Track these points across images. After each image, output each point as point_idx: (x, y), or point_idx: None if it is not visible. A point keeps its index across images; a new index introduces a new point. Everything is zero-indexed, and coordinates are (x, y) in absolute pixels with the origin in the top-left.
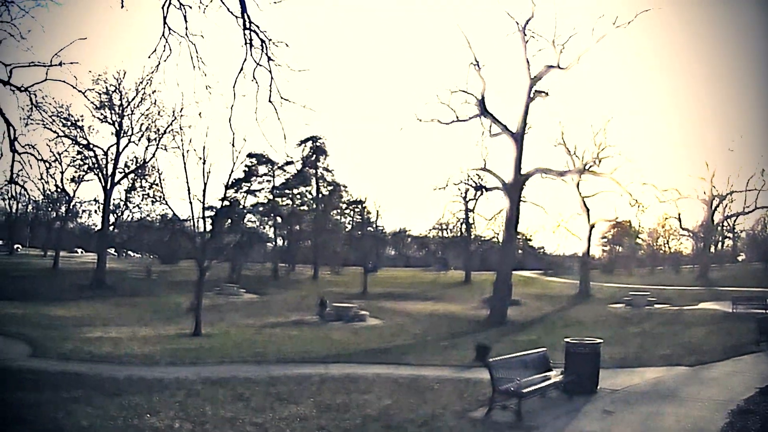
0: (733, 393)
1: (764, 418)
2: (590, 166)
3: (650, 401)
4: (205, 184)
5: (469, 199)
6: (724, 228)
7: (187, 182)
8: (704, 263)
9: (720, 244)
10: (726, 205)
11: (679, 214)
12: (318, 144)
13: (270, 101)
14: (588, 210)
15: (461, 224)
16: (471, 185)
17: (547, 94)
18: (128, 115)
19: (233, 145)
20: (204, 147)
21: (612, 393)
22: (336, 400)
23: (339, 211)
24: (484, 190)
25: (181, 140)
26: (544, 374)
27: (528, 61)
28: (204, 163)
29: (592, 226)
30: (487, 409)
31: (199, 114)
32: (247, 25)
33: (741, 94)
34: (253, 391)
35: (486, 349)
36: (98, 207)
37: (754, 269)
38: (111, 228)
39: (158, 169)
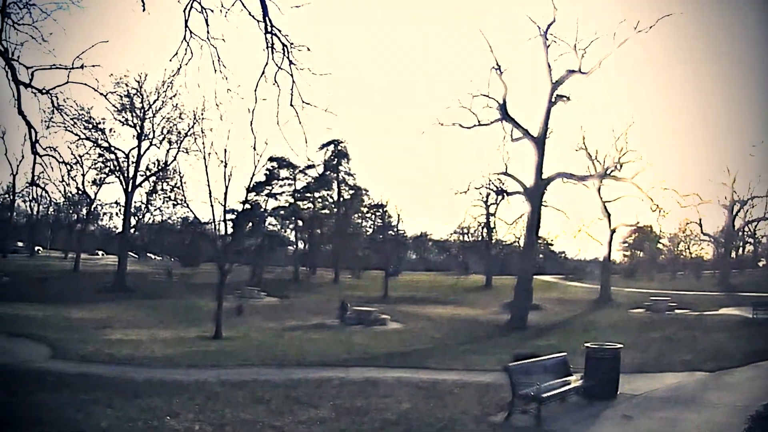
0: (753, 399)
1: None
2: (611, 171)
3: (669, 407)
4: (227, 187)
5: (491, 204)
6: (745, 233)
7: (209, 185)
8: (725, 269)
9: (741, 249)
10: (747, 211)
11: (700, 219)
12: (339, 148)
13: (291, 105)
14: (609, 215)
15: (482, 228)
16: (492, 189)
17: (568, 98)
18: (149, 118)
19: (254, 148)
20: (225, 150)
21: (632, 398)
22: (355, 404)
23: (360, 214)
24: (505, 194)
25: (203, 143)
26: (563, 379)
27: (549, 66)
28: (225, 167)
29: (613, 231)
30: (506, 413)
31: (221, 117)
32: (269, 29)
33: (762, 98)
34: (273, 394)
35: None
36: (119, 209)
37: None
38: (132, 230)
39: (179, 172)
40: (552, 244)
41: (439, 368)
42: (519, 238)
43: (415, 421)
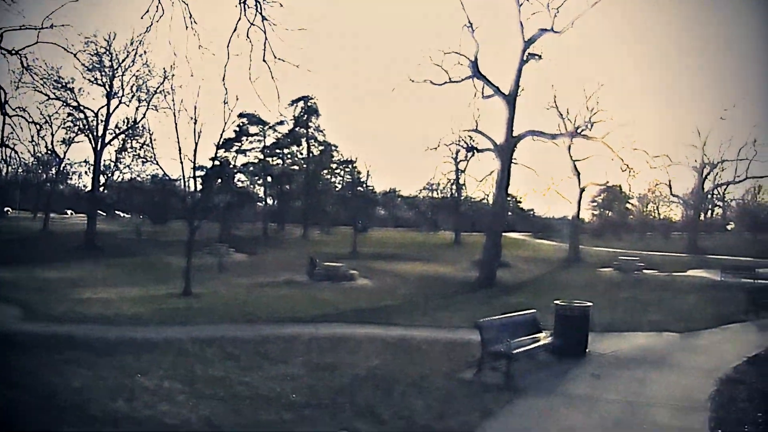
0: (722, 361)
1: (752, 388)
2: (582, 130)
3: (638, 366)
4: (196, 144)
5: (460, 161)
6: (714, 196)
7: (178, 142)
8: (693, 231)
9: (710, 212)
10: (717, 174)
11: (670, 181)
12: (309, 104)
13: (264, 60)
14: (578, 173)
15: (452, 185)
16: (462, 146)
17: (540, 57)
18: (119, 76)
19: (226, 102)
20: (195, 107)
21: (601, 357)
22: (325, 360)
23: (329, 170)
24: (475, 151)
25: (173, 100)
26: (533, 336)
27: (522, 24)
28: (195, 123)
29: (582, 190)
30: (476, 370)
31: (191, 73)
32: None
33: (735, 63)
34: (243, 351)
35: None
36: (89, 168)
37: (743, 239)
38: (101, 189)
39: (149, 130)
40: (521, 202)
41: (408, 325)
42: (488, 195)
43: (385, 378)
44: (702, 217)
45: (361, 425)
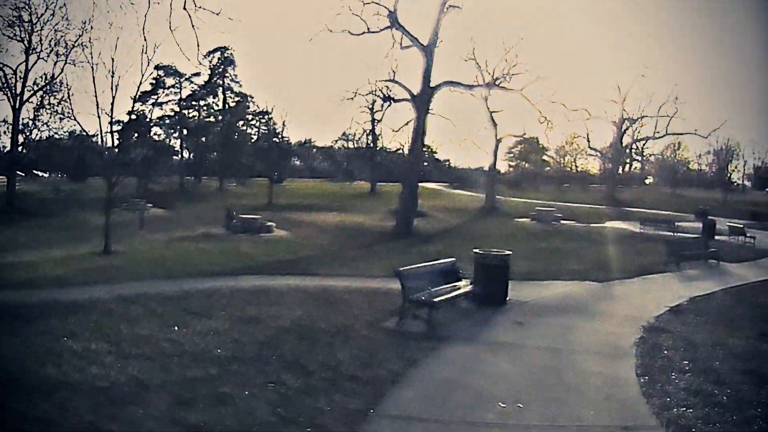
0: (644, 310)
1: (676, 336)
2: (500, 82)
3: (561, 314)
4: (113, 98)
5: (377, 111)
6: (633, 151)
7: (96, 97)
8: (612, 184)
9: (628, 166)
10: (636, 129)
11: (588, 134)
12: (226, 55)
13: (185, 8)
14: (495, 125)
15: (368, 136)
16: (379, 97)
17: (459, 7)
18: (38, 30)
19: (145, 52)
20: (113, 59)
21: (522, 305)
22: (248, 313)
23: (245, 122)
24: (392, 101)
25: (90, 54)
26: (453, 285)
27: None
28: (113, 77)
29: (499, 141)
30: (398, 319)
31: (109, 25)
32: None
33: (658, 19)
34: (166, 307)
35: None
36: (7, 128)
37: (661, 193)
38: (20, 149)
39: (67, 85)
40: (437, 153)
41: (328, 275)
42: (404, 146)
43: (308, 328)
44: (620, 170)
45: (288, 378)
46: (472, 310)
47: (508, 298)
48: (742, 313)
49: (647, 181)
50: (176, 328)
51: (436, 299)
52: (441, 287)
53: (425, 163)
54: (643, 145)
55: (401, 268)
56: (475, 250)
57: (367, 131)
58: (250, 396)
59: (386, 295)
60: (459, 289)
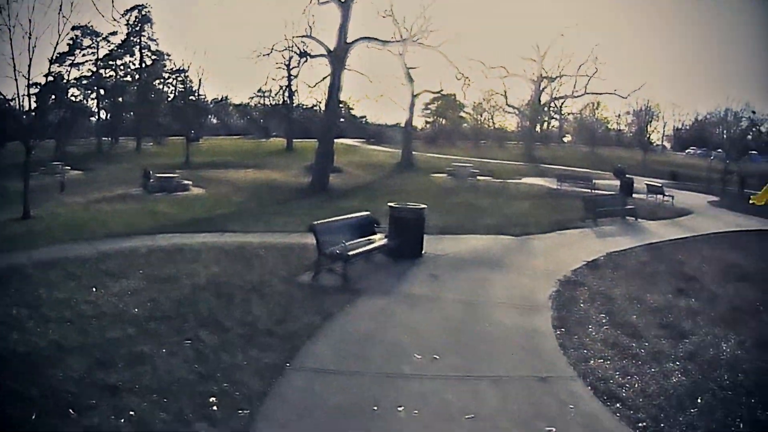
0: (560, 264)
1: (592, 290)
2: (417, 38)
3: (476, 268)
4: (30, 60)
5: (293, 67)
6: (551, 109)
7: (13, 59)
8: (529, 141)
9: (546, 125)
10: (555, 88)
11: (505, 91)
12: (144, 13)
13: None
14: (412, 81)
15: (284, 92)
16: (295, 52)
17: None
18: None
19: (61, 11)
20: (30, 20)
21: (437, 258)
22: (165, 272)
23: (162, 80)
24: (308, 57)
25: (8, 15)
26: (368, 238)
27: None
28: (30, 38)
29: (415, 96)
30: (313, 273)
31: None
32: None
33: None
34: (84, 270)
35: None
36: None
37: (579, 151)
38: None
39: None
40: (353, 109)
41: (244, 231)
42: (320, 103)
43: (225, 285)
44: (539, 129)
45: (205, 335)
46: (387, 263)
47: (423, 252)
48: (659, 269)
49: (565, 140)
50: (94, 290)
51: (350, 253)
52: (356, 241)
53: (341, 120)
54: (562, 103)
55: (315, 222)
56: (389, 204)
57: (284, 87)
58: (168, 354)
59: (302, 250)
60: (374, 242)
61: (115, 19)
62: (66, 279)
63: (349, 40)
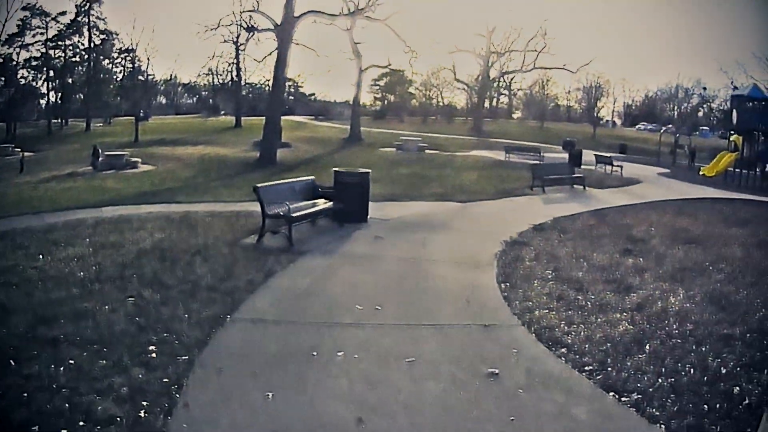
0: (507, 227)
1: (539, 250)
2: (365, 12)
3: (422, 230)
4: None
5: (241, 44)
6: (501, 85)
7: None
8: (478, 116)
9: (496, 101)
10: (504, 63)
11: (454, 66)
12: None
13: None
14: (360, 56)
15: (232, 69)
16: (243, 26)
17: None
18: None
19: None
20: None
21: (382, 222)
22: (110, 239)
23: (111, 60)
24: (255, 31)
25: None
26: (313, 202)
27: None
28: None
29: (363, 71)
30: (258, 235)
31: None
32: None
33: None
34: (31, 240)
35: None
36: None
37: (528, 126)
38: None
39: None
40: (302, 86)
41: (190, 202)
42: (269, 81)
43: (170, 249)
44: (488, 104)
45: (147, 293)
46: (332, 227)
47: (369, 217)
48: (606, 232)
49: (515, 116)
50: (41, 257)
51: (294, 214)
52: (300, 204)
53: (290, 97)
54: (511, 79)
55: (259, 185)
56: (334, 169)
57: (231, 63)
58: (110, 310)
59: (247, 217)
60: (318, 206)
61: None
62: (13, 249)
63: (296, 14)
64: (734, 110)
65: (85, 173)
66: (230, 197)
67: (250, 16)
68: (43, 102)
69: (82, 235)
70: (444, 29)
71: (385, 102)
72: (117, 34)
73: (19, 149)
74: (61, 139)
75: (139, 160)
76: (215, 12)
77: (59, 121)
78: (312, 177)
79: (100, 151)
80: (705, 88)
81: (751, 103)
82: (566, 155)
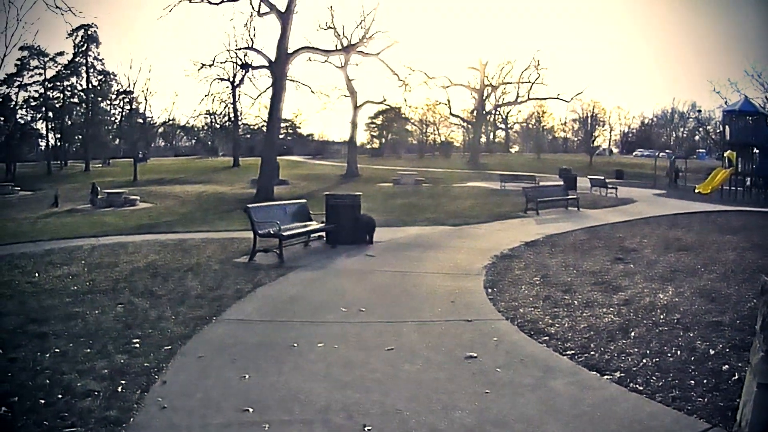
0: (498, 244)
1: (528, 261)
2: (358, 46)
3: (413, 249)
4: None
5: (237, 85)
6: (496, 118)
7: None
8: (475, 150)
9: (492, 134)
10: (499, 96)
11: (449, 100)
12: (90, 33)
13: None
14: (355, 93)
15: (229, 110)
16: (237, 63)
17: None
18: None
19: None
20: None
21: (375, 243)
22: (105, 260)
23: (109, 101)
24: (249, 68)
25: None
26: (304, 224)
27: None
28: None
29: (359, 107)
30: (249, 256)
31: None
32: None
33: None
34: (28, 262)
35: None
36: None
37: (526, 158)
38: None
39: None
40: (300, 127)
41: (187, 231)
42: (265, 121)
43: (162, 267)
44: (485, 139)
45: (138, 300)
46: (324, 249)
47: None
48: (597, 245)
49: (512, 150)
50: (37, 274)
51: (285, 233)
52: (292, 224)
53: (288, 138)
54: (508, 112)
55: (249, 204)
56: (326, 193)
57: (228, 103)
58: (100, 314)
59: (241, 241)
60: (309, 227)
61: (69, 33)
62: (10, 269)
63: (290, 51)
64: (726, 126)
65: (84, 210)
66: (226, 227)
67: (246, 54)
68: (42, 143)
69: (78, 258)
70: (438, 63)
71: (382, 140)
72: (115, 75)
73: (18, 188)
74: (61, 178)
75: (138, 197)
76: (212, 51)
77: (58, 161)
78: (304, 200)
79: (99, 188)
80: (700, 111)
81: (742, 119)
82: (562, 182)
